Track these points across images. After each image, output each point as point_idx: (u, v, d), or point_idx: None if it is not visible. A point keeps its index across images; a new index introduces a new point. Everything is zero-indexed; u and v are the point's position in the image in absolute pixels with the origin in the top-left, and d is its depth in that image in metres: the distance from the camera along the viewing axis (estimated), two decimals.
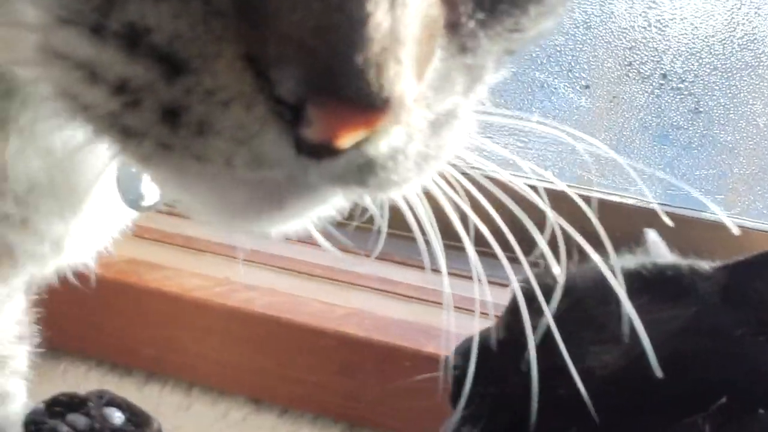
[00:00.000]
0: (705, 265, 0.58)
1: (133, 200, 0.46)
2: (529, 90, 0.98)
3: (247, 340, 0.80)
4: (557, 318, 0.50)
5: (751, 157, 0.95)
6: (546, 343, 0.50)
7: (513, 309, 0.61)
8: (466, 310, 0.83)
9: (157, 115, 0.25)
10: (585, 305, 0.54)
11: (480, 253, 0.93)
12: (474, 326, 0.75)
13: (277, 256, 0.90)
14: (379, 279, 0.87)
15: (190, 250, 0.89)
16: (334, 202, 0.32)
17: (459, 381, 0.61)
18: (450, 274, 0.90)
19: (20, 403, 0.68)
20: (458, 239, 1.00)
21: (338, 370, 0.77)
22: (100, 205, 0.47)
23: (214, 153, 0.26)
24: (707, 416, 0.49)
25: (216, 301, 0.80)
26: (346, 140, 0.25)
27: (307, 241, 0.94)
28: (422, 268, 0.91)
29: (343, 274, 0.87)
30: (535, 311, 0.58)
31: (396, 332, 0.77)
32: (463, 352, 0.63)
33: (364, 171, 0.27)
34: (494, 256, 0.91)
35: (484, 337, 0.62)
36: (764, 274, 0.55)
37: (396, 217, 1.00)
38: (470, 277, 0.90)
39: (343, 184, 0.28)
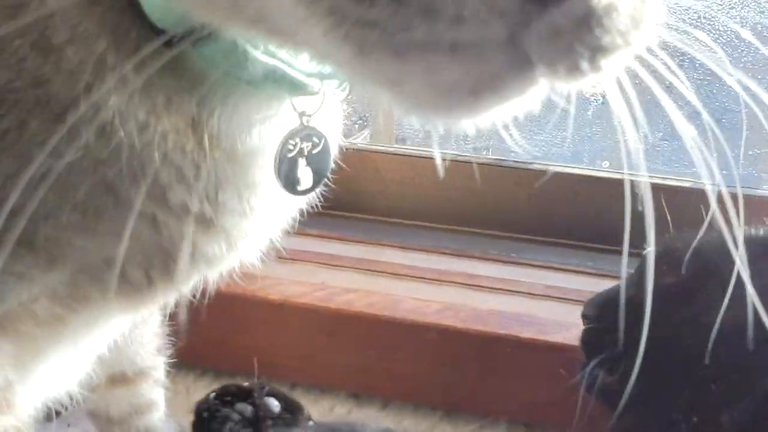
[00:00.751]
0: None
1: (291, 185, 0.49)
2: None
3: (350, 339, 0.85)
4: (689, 277, 0.60)
5: None
6: (673, 299, 0.61)
7: (643, 268, 0.68)
8: (557, 298, 0.88)
9: None
10: (712, 267, 0.61)
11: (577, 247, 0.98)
12: (564, 311, 0.80)
13: (365, 260, 0.95)
14: (464, 274, 0.93)
15: (281, 260, 0.94)
16: (533, 95, 0.33)
17: (590, 330, 0.69)
18: (533, 265, 0.96)
19: (162, 411, 0.74)
20: (534, 232, 1.04)
21: (439, 362, 0.83)
22: (270, 202, 0.52)
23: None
24: None
25: (319, 304, 0.85)
26: None
27: (391, 243, 0.99)
28: (500, 261, 0.97)
29: (429, 272, 0.93)
30: (667, 272, 0.66)
31: (493, 321, 0.82)
32: (595, 304, 0.70)
33: (581, 27, 0.29)
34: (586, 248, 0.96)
35: (615, 291, 0.69)
36: None
37: (472, 213, 1.05)
38: (555, 268, 0.95)
39: (558, 50, 0.29)
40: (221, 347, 0.91)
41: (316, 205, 0.60)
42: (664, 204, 0.68)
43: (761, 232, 0.65)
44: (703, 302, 0.60)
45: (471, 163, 1.06)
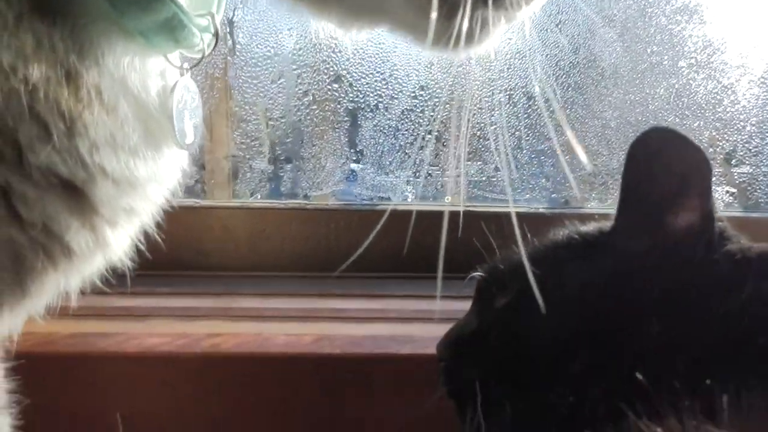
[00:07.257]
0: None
1: (182, 138, 0.49)
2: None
3: (220, 384, 0.79)
4: (522, 291, 0.60)
5: (608, 155, 1.13)
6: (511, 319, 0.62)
7: (478, 298, 0.69)
8: (425, 319, 0.88)
9: None
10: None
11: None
12: (435, 329, 0.79)
13: (225, 308, 0.90)
14: (331, 309, 0.91)
15: (132, 318, 0.87)
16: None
17: (448, 370, 0.67)
18: (395, 296, 0.96)
19: None
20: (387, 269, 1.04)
21: (319, 391, 0.79)
22: (151, 167, 0.48)
23: None
24: None
25: (182, 352, 0.78)
26: None
27: (250, 293, 0.95)
28: (364, 296, 0.96)
29: (295, 312, 0.90)
30: (499, 292, 0.67)
31: (370, 344, 0.80)
32: (446, 344, 0.69)
33: None
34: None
35: (459, 327, 0.69)
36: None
37: (326, 258, 1.04)
38: (416, 296, 0.96)
39: None
40: (72, 415, 0.80)
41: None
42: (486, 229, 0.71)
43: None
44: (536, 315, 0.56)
45: (319, 210, 1.06)
